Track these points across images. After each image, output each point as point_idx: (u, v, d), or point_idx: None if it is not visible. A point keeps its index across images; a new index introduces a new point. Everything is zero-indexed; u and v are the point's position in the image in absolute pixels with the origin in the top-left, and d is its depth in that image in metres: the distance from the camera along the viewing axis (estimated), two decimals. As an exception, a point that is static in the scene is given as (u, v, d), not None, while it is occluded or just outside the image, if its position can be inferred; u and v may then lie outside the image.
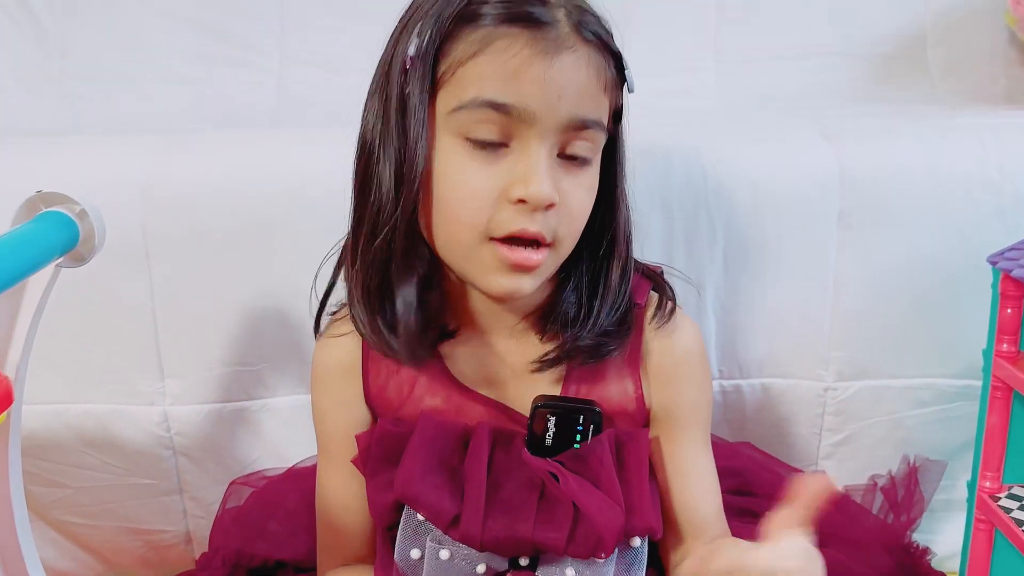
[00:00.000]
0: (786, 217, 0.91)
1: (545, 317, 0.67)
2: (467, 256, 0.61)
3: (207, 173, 0.90)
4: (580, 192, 0.61)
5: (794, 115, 1.13)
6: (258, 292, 0.91)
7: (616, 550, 0.65)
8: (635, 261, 0.70)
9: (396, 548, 0.67)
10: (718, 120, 1.04)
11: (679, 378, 0.69)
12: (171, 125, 1.16)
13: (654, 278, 0.71)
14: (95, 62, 1.37)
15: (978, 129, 0.95)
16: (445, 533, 0.65)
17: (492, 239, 0.60)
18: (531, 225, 0.59)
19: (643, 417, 0.69)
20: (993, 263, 0.84)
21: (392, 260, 0.62)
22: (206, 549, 0.89)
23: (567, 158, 0.61)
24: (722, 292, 0.93)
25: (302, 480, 0.84)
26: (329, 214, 0.87)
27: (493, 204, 0.59)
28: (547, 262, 0.62)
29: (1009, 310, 0.82)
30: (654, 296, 0.71)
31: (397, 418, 0.69)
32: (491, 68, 0.57)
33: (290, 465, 0.90)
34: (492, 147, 0.59)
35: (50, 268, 0.65)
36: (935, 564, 0.88)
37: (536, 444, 0.66)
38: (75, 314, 0.88)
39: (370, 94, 0.64)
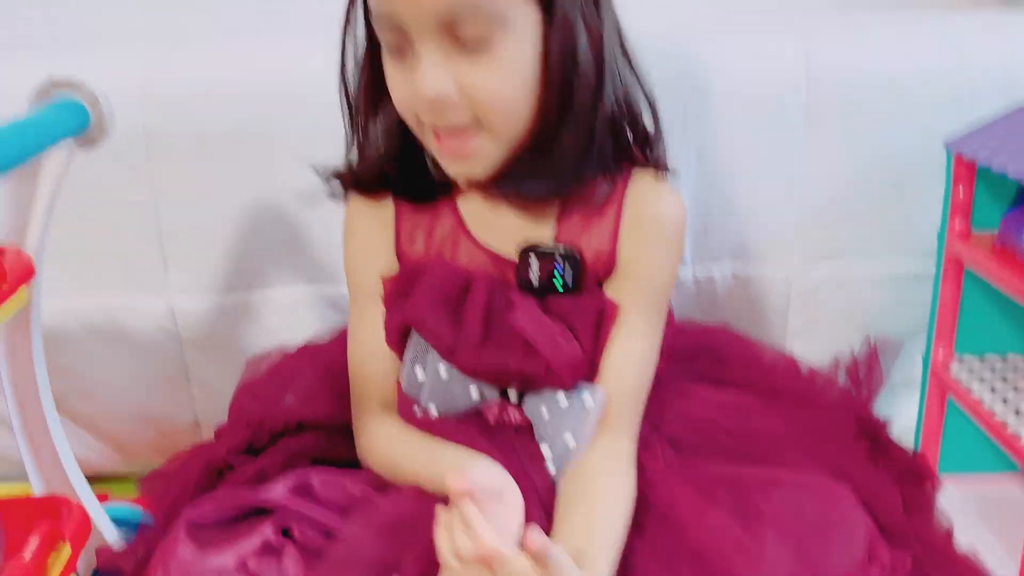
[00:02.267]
0: (755, 111, 0.95)
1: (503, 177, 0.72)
2: (425, 144, 0.70)
3: (204, 75, 0.94)
4: (487, 75, 0.65)
5: (764, 10, 1.16)
6: (256, 189, 0.96)
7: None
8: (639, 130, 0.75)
9: (403, 368, 0.74)
10: (685, 13, 1.06)
11: (647, 237, 0.73)
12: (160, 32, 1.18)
13: (650, 144, 0.76)
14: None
15: (942, 26, 0.99)
16: (443, 359, 0.72)
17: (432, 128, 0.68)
18: (438, 120, 0.66)
19: (613, 267, 0.74)
20: (948, 147, 0.89)
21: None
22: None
23: (467, 45, 0.64)
24: (696, 185, 0.98)
25: (316, 355, 0.89)
26: (323, 114, 0.91)
27: (414, 104, 0.67)
28: (483, 144, 0.68)
29: (960, 190, 0.88)
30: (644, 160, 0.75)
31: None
32: None
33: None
34: (400, 53, 0.65)
35: (64, 149, 0.69)
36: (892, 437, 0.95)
37: (525, 283, 0.73)
38: (80, 212, 0.92)
39: None
